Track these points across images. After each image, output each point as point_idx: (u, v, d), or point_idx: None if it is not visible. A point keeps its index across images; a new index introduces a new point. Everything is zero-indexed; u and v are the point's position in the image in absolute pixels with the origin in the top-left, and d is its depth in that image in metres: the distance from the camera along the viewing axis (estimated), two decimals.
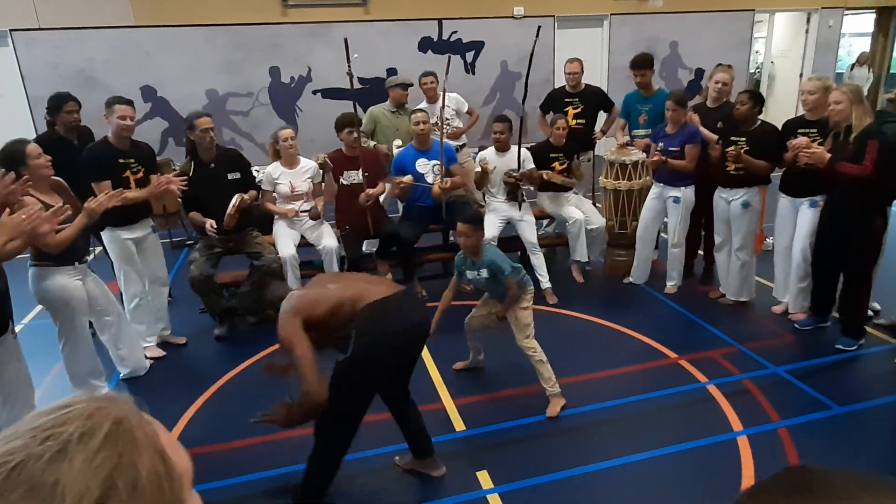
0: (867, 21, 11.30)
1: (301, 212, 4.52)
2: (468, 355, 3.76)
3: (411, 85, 5.44)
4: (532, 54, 4.66)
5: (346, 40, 4.37)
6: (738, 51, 9.83)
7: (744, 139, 4.09)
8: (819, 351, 3.85)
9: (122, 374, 3.79)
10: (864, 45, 11.45)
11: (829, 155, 3.57)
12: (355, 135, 4.55)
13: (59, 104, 4.16)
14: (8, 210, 2.43)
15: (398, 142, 5.19)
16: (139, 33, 7.76)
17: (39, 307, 4.65)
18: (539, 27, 4.64)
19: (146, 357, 3.96)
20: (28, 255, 3.19)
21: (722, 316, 4.37)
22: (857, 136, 3.54)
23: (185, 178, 3.93)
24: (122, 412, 0.55)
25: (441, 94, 4.99)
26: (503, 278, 3.22)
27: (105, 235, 3.83)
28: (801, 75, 10.56)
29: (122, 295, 3.99)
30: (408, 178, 4.64)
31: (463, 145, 5.75)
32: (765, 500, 0.57)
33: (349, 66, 4.37)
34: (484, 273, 3.26)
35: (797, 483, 0.58)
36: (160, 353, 4.08)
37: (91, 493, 0.48)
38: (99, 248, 4.07)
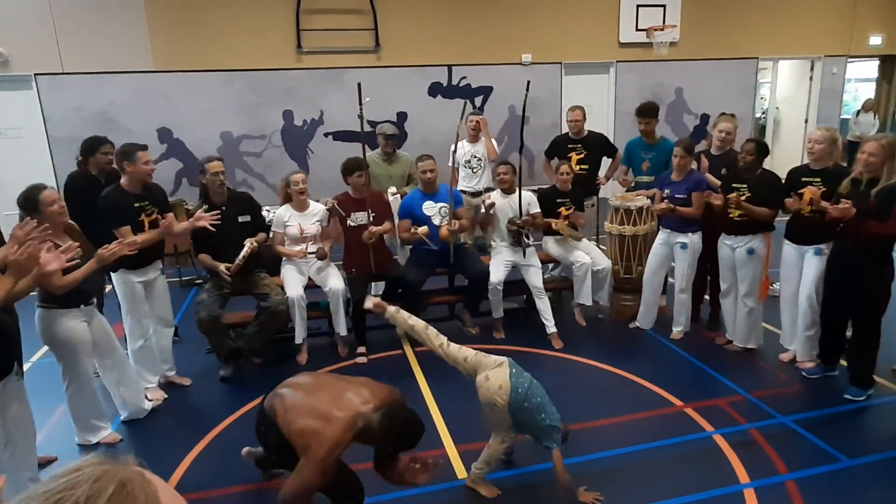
0: (872, 67, 11.47)
1: (309, 253, 4.58)
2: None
3: (394, 135, 5.55)
4: (524, 108, 4.86)
5: (359, 85, 4.49)
6: (742, 97, 9.99)
7: (745, 186, 4.14)
8: (827, 401, 3.79)
9: (122, 417, 3.80)
10: (870, 89, 11.59)
11: (854, 210, 3.49)
12: (364, 179, 4.64)
13: (96, 146, 4.38)
14: (16, 248, 2.49)
15: (392, 189, 5.29)
16: (158, 77, 8.04)
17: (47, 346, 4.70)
18: (528, 82, 4.81)
19: (147, 398, 3.97)
20: (35, 296, 3.25)
21: (729, 363, 4.34)
22: (883, 192, 3.48)
23: (216, 214, 4.00)
24: (127, 475, 0.59)
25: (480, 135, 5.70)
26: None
27: (116, 278, 3.90)
28: (805, 121, 10.68)
29: (126, 335, 4.03)
30: (423, 230, 4.71)
31: (487, 189, 5.79)
32: None
33: (361, 110, 4.48)
34: None
35: None
36: (162, 395, 4.08)
37: None
38: (109, 287, 4.13)
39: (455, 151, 5.53)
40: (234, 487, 3.12)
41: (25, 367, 3.17)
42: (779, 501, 2.90)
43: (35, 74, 7.71)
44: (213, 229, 3.97)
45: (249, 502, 3.01)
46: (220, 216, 4.02)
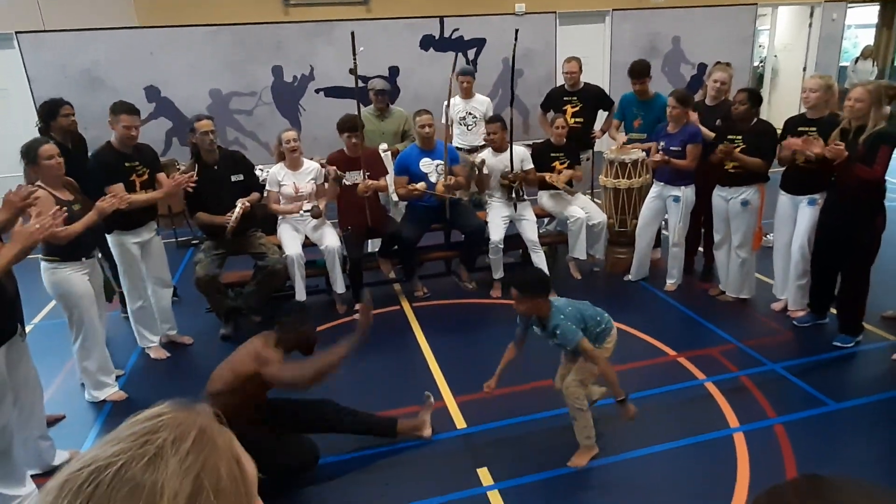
0: (872, 12, 11.24)
1: (304, 212, 4.58)
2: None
3: (384, 90, 5.46)
4: (514, 59, 4.76)
5: (352, 34, 4.39)
6: (740, 45, 9.81)
7: (740, 137, 4.12)
8: (817, 348, 3.88)
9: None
10: (870, 36, 11.40)
11: (846, 153, 3.49)
12: (354, 140, 4.59)
13: (56, 109, 4.22)
14: (20, 220, 2.51)
15: (384, 146, 5.24)
16: (143, 34, 7.82)
17: (50, 307, 4.74)
18: (517, 31, 4.73)
19: (151, 357, 4.08)
20: (38, 249, 3.28)
21: (721, 313, 4.41)
22: (869, 138, 3.49)
23: (192, 175, 3.97)
24: (204, 422, 0.62)
25: (461, 92, 5.52)
26: (575, 347, 2.79)
27: (111, 239, 3.90)
28: (804, 69, 10.52)
29: (125, 296, 4.07)
30: (421, 185, 4.69)
31: (482, 146, 5.80)
32: (780, 502, 0.64)
33: (355, 60, 4.39)
34: (552, 341, 2.88)
35: (811, 489, 0.64)
36: (164, 354, 4.15)
37: (184, 491, 0.54)
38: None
39: (448, 107, 5.53)
40: None
41: (29, 328, 3.21)
42: (767, 444, 3.00)
43: (16, 32, 7.49)
44: (191, 190, 3.93)
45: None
46: (197, 179, 3.97)
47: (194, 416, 0.62)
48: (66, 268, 3.34)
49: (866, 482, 0.63)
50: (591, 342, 2.83)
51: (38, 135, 4.30)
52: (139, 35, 7.81)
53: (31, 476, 2.83)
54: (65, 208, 2.88)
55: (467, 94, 5.71)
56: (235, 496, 0.58)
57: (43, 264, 3.34)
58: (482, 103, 5.77)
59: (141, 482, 0.53)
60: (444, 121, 5.66)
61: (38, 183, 3.20)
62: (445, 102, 5.60)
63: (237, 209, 4.14)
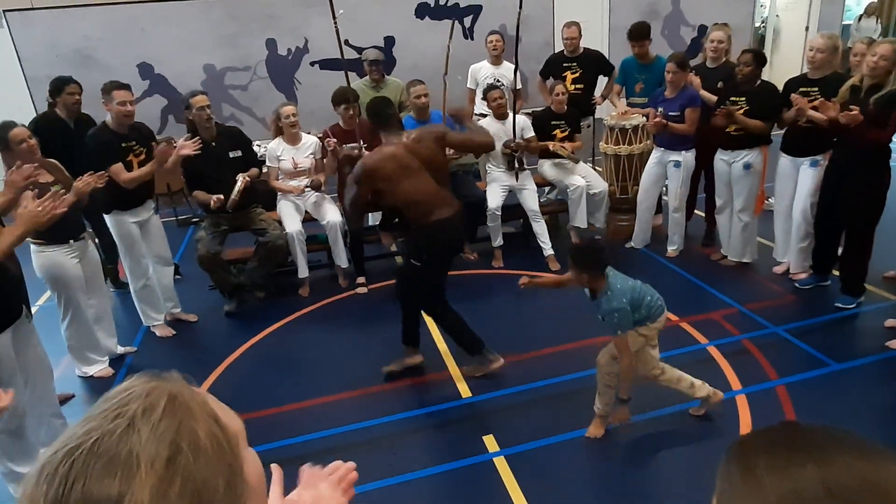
0: None
1: (305, 188, 4.56)
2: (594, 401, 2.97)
3: (378, 61, 5.37)
4: (518, 28, 4.72)
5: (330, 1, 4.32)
6: (741, 5, 9.60)
7: (743, 99, 4.07)
8: (819, 309, 3.89)
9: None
10: None
11: (861, 117, 3.38)
12: (351, 112, 4.54)
13: (61, 86, 4.26)
14: (23, 198, 2.50)
15: None
16: (133, 9, 7.68)
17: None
18: (521, 1, 4.62)
19: (157, 335, 4.11)
20: None
21: (723, 278, 4.42)
22: (883, 98, 3.39)
23: (197, 140, 3.89)
24: (175, 388, 0.63)
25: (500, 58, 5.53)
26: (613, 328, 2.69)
27: (109, 219, 3.91)
28: (806, 28, 10.33)
29: (127, 276, 4.09)
30: None
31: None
32: (752, 447, 0.66)
33: (335, 24, 4.32)
34: (599, 315, 2.74)
35: (782, 436, 0.67)
36: (170, 332, 4.18)
37: (161, 455, 0.55)
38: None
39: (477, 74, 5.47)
40: (249, 414, 3.24)
41: (34, 310, 3.24)
42: (769, 405, 3.04)
43: (4, 11, 7.36)
44: (198, 151, 3.86)
45: (264, 428, 3.15)
46: (202, 145, 3.93)
47: (163, 384, 0.63)
48: (55, 250, 3.35)
49: (838, 430, 0.64)
50: (636, 320, 2.72)
51: (46, 109, 4.32)
52: (129, 10, 7.67)
53: None
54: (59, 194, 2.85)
55: (497, 60, 5.54)
56: (218, 452, 0.59)
57: (32, 247, 3.34)
58: (509, 70, 5.44)
59: (116, 453, 0.54)
60: (469, 85, 5.67)
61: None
62: (472, 66, 5.63)
63: (239, 183, 4.13)
